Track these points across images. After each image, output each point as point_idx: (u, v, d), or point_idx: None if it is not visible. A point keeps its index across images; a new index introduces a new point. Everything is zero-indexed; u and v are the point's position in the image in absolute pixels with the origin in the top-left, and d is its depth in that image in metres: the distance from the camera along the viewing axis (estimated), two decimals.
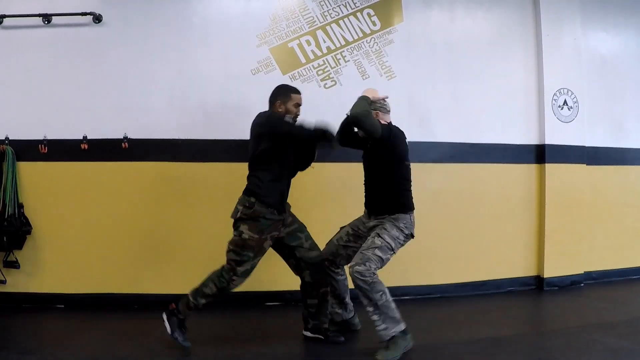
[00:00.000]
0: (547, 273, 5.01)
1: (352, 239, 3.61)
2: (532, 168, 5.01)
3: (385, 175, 3.44)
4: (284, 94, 3.54)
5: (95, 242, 4.34)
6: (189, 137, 4.32)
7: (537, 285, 5.05)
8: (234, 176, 4.35)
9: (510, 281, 4.99)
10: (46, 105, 4.30)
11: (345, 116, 3.51)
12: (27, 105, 4.29)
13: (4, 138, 4.26)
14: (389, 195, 3.45)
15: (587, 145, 5.16)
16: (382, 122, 3.44)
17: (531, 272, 5.05)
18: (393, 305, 3.28)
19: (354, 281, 3.24)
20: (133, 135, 4.32)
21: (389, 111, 3.60)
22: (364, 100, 3.38)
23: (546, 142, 4.98)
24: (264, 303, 4.50)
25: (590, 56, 5.26)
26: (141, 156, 4.34)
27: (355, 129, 3.53)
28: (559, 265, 5.05)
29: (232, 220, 3.44)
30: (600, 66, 5.32)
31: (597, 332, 3.73)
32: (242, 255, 3.33)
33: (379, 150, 3.43)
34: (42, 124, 4.29)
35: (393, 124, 3.55)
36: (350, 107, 3.38)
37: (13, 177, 4.26)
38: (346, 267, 3.61)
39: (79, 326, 3.86)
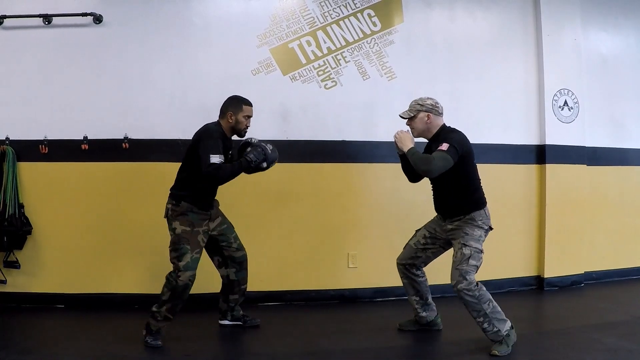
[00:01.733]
0: (548, 273, 5.01)
1: (429, 242, 3.63)
2: (533, 168, 5.02)
3: (454, 179, 3.35)
4: (235, 105, 3.60)
5: (96, 242, 4.35)
6: (189, 138, 4.31)
7: (537, 285, 5.05)
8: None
9: (511, 281, 5.00)
10: (47, 106, 4.30)
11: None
12: (28, 106, 4.30)
13: (4, 138, 4.27)
14: (460, 198, 3.41)
15: (587, 145, 5.16)
16: (442, 146, 3.26)
17: (531, 272, 5.05)
18: (498, 307, 3.32)
19: (461, 298, 3.27)
20: (133, 135, 4.32)
21: (442, 113, 3.54)
22: (412, 151, 3.32)
23: (546, 143, 4.98)
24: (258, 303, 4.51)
25: (590, 56, 5.26)
26: (142, 156, 4.34)
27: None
28: (559, 265, 5.05)
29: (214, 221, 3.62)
30: (600, 66, 5.32)
31: (597, 332, 3.73)
32: (179, 249, 3.42)
33: None
34: (42, 124, 4.30)
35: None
36: (413, 164, 3.31)
37: (13, 178, 4.27)
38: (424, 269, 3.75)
39: (79, 326, 3.86)
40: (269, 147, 3.56)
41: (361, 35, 4.66)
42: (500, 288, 4.91)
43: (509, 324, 3.34)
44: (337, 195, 4.60)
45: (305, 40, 4.59)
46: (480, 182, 3.52)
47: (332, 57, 4.62)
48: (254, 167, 3.50)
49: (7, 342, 3.51)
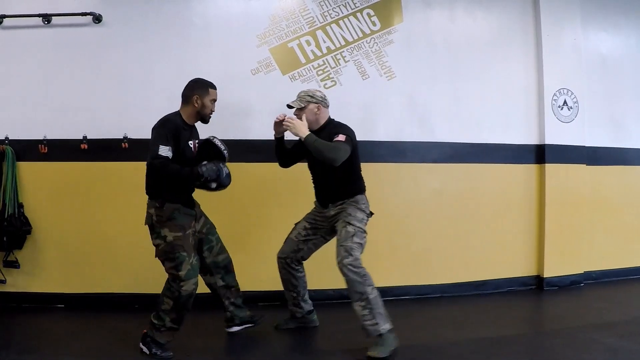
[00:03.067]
0: (547, 273, 5.01)
1: (310, 233, 3.68)
2: (532, 168, 5.01)
3: (345, 169, 3.42)
4: (201, 89, 3.43)
5: (95, 242, 4.35)
6: None
7: (537, 285, 5.05)
8: (234, 176, 4.37)
9: (510, 281, 5.00)
10: (46, 105, 4.30)
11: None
12: (27, 105, 4.29)
13: (3, 138, 4.27)
14: (345, 184, 3.51)
15: (587, 145, 5.16)
16: (340, 137, 3.35)
17: (531, 271, 5.05)
18: (381, 301, 3.31)
19: (345, 275, 3.26)
20: (133, 135, 4.31)
21: (328, 105, 3.66)
22: (314, 138, 3.34)
23: (546, 142, 4.97)
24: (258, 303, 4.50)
25: (590, 56, 5.26)
26: (141, 156, 4.31)
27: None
28: (558, 265, 5.05)
29: (197, 224, 3.47)
30: (600, 66, 5.32)
31: (597, 332, 3.73)
32: (175, 258, 3.21)
33: None
34: (42, 124, 4.29)
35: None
36: (316, 151, 3.31)
37: (13, 177, 4.27)
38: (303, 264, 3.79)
39: (79, 326, 3.86)
40: (226, 170, 3.34)
41: (360, 35, 4.66)
42: (500, 288, 4.93)
43: (388, 326, 3.27)
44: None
45: (305, 40, 4.59)
46: (361, 172, 3.63)
47: (332, 56, 4.61)
48: (201, 183, 3.25)
49: (6, 342, 3.52)
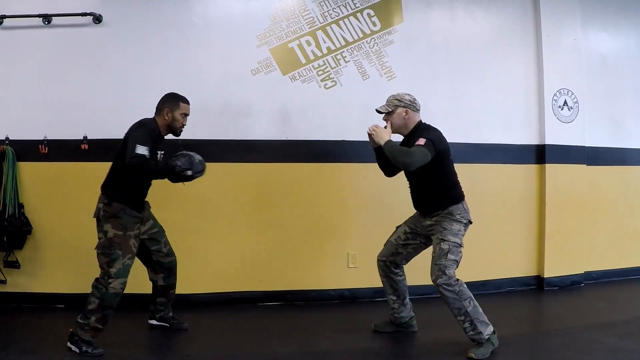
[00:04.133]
0: (548, 273, 5.01)
1: (410, 237, 3.60)
2: (533, 168, 5.02)
3: (431, 176, 3.36)
4: (172, 102, 3.51)
5: (96, 242, 4.33)
6: (188, 137, 4.31)
7: (537, 285, 5.05)
8: (234, 176, 4.38)
9: (511, 281, 5.00)
10: (46, 106, 4.30)
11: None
12: (27, 106, 4.29)
13: (4, 138, 4.27)
14: (437, 194, 3.41)
15: (587, 145, 5.17)
16: (420, 141, 3.25)
17: (531, 272, 5.06)
18: (481, 309, 3.30)
19: (441, 294, 3.26)
20: None
21: (419, 109, 3.52)
22: (390, 144, 3.30)
23: (546, 142, 4.98)
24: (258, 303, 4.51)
25: (590, 56, 5.26)
26: None
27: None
28: (559, 265, 5.05)
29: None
30: (600, 66, 5.33)
31: (597, 332, 3.73)
32: (110, 254, 3.28)
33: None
34: (42, 124, 4.29)
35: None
36: (391, 157, 3.28)
37: (13, 177, 4.26)
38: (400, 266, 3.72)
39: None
40: (197, 157, 3.39)
41: (361, 35, 4.66)
42: (500, 288, 4.93)
43: (491, 328, 3.31)
44: (336, 195, 4.60)
45: (305, 40, 4.59)
46: (457, 179, 3.52)
47: (332, 57, 4.62)
48: (177, 173, 3.31)
49: (7, 342, 3.51)
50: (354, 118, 4.58)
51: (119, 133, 4.24)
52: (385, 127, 3.45)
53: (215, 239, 4.46)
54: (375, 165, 4.49)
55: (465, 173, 4.74)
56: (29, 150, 4.29)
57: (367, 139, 3.67)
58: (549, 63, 5.00)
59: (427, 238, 3.54)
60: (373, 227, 4.56)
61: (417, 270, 3.77)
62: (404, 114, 3.44)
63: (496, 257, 4.93)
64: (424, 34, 4.79)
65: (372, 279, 4.60)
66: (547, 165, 4.97)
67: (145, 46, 4.39)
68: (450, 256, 3.29)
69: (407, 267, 3.76)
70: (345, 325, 3.93)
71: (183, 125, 3.56)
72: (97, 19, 4.31)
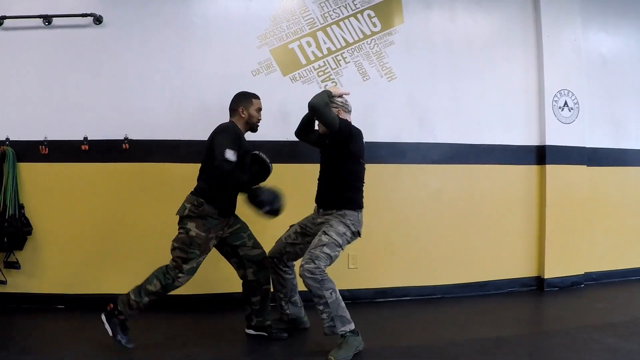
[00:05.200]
0: (548, 274, 5.01)
1: (299, 237, 3.68)
2: (533, 169, 5.02)
3: (338, 170, 3.50)
4: (245, 100, 3.60)
5: (96, 243, 4.35)
6: (189, 138, 4.33)
7: (537, 286, 5.05)
8: None
9: (511, 282, 5.00)
10: (47, 106, 4.30)
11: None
12: (28, 106, 4.30)
13: (4, 139, 4.27)
14: (338, 190, 3.52)
15: (587, 146, 5.17)
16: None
17: (532, 272, 5.05)
18: (343, 304, 3.33)
19: (303, 280, 3.29)
20: (133, 136, 4.32)
21: (350, 111, 3.69)
22: (324, 93, 3.49)
23: (547, 143, 4.98)
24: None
25: (590, 57, 5.27)
26: (142, 157, 4.34)
27: (316, 126, 3.68)
28: (559, 266, 5.05)
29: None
30: (600, 67, 5.33)
31: (597, 333, 3.73)
32: (188, 252, 3.35)
33: (336, 145, 3.50)
34: (42, 125, 4.30)
35: (354, 124, 3.61)
36: (311, 98, 3.45)
37: (14, 178, 4.27)
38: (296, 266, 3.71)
39: (80, 326, 3.86)
40: (281, 201, 3.44)
41: (361, 36, 4.67)
42: (500, 289, 4.93)
43: (351, 326, 3.31)
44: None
45: (306, 41, 4.59)
46: (363, 185, 3.62)
47: (332, 57, 4.62)
48: (257, 202, 3.37)
49: (7, 343, 3.52)
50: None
51: (119, 133, 4.31)
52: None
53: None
54: (376, 166, 4.53)
55: (464, 174, 4.82)
56: (30, 151, 4.29)
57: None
58: (549, 64, 5.00)
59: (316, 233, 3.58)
60: (373, 228, 4.56)
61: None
62: (337, 113, 3.56)
63: (496, 258, 4.94)
64: (424, 34, 4.80)
65: (373, 280, 4.63)
66: (547, 166, 4.97)
67: (145, 46, 4.39)
68: (325, 249, 3.33)
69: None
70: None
71: (259, 120, 3.66)
72: (98, 19, 4.32)
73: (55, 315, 4.21)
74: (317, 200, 3.67)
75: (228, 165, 3.24)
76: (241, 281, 3.70)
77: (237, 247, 3.61)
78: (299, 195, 4.51)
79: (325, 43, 4.62)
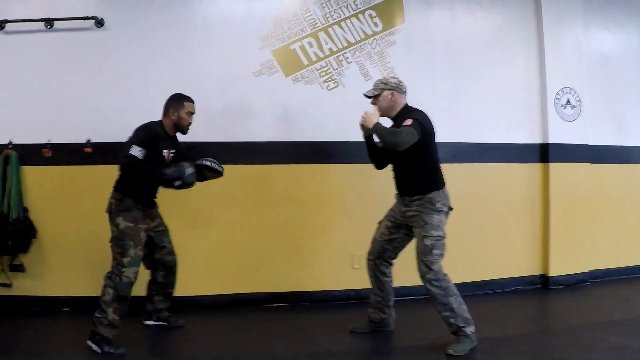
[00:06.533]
0: (553, 272, 4.99)
1: (393, 231, 3.60)
2: (536, 167, 5.01)
3: (415, 156, 3.39)
4: (177, 102, 3.66)
5: (100, 245, 4.33)
6: (190, 140, 4.32)
7: (542, 284, 5.03)
8: (236, 177, 4.38)
9: (516, 280, 4.99)
10: (50, 109, 4.31)
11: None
12: (31, 109, 4.31)
13: (7, 142, 4.28)
14: (419, 174, 3.44)
15: (590, 143, 5.15)
16: (407, 121, 3.35)
17: (536, 270, 5.04)
18: (464, 305, 3.34)
19: (428, 289, 3.31)
20: None
21: (405, 91, 3.59)
22: (378, 127, 3.38)
23: (550, 141, 4.97)
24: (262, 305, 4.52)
25: (592, 55, 5.26)
26: None
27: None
28: (564, 263, 5.03)
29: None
30: (602, 65, 5.32)
31: (602, 331, 3.72)
32: (123, 245, 3.44)
33: None
34: (46, 128, 4.31)
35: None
36: (380, 138, 3.38)
37: (17, 182, 4.28)
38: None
39: (85, 329, 3.85)
40: (189, 170, 3.55)
41: (363, 36, 4.67)
42: (505, 287, 4.92)
43: (473, 327, 3.34)
44: (340, 195, 4.60)
45: (307, 42, 4.59)
46: (439, 164, 3.55)
47: (334, 58, 4.62)
48: (166, 181, 3.51)
49: (13, 346, 3.54)
50: (357, 118, 4.57)
51: (122, 136, 4.26)
52: (374, 111, 3.52)
53: (218, 240, 4.47)
54: None
55: (468, 173, 4.81)
56: (33, 154, 4.31)
57: None
58: (551, 62, 4.99)
59: (410, 228, 3.53)
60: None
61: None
62: (390, 96, 3.51)
63: (501, 256, 4.93)
64: (425, 34, 4.79)
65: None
66: (550, 164, 4.96)
67: (147, 48, 4.41)
68: (435, 251, 3.32)
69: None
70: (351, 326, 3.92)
71: (189, 124, 3.72)
72: (99, 22, 4.33)
73: (61, 317, 4.22)
74: (399, 189, 3.57)
75: (129, 159, 3.38)
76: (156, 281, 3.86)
77: (155, 249, 3.75)
78: (301, 196, 4.54)
79: (327, 43, 4.62)
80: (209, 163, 3.67)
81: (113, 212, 3.53)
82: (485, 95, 4.89)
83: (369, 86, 4.57)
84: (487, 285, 4.87)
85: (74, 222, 4.35)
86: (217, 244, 4.48)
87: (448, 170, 4.70)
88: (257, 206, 4.52)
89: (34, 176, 4.34)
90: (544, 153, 5.00)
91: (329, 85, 4.60)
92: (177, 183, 3.52)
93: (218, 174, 3.72)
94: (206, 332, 3.89)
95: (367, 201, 4.59)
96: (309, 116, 4.56)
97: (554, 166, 4.97)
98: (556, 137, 4.99)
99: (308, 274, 4.58)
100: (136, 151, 3.38)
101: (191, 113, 3.70)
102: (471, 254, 4.82)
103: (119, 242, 3.46)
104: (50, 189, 4.36)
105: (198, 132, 4.23)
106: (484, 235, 4.87)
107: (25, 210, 4.31)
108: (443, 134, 4.70)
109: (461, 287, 4.70)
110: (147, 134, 3.50)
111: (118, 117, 4.32)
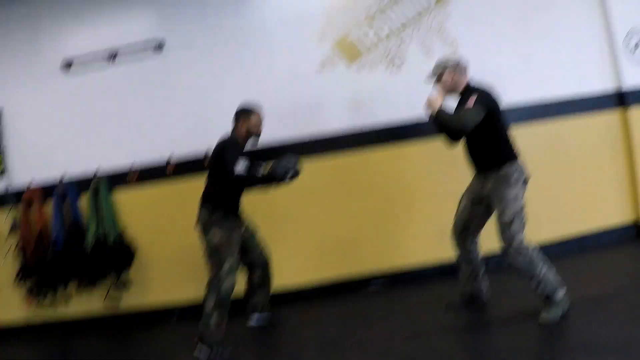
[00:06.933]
0: None
1: (474, 206, 3.59)
2: (614, 114, 4.79)
3: (486, 134, 3.36)
4: (245, 114, 3.78)
5: (196, 253, 4.50)
6: (267, 141, 4.38)
7: (637, 233, 4.86)
8: (317, 171, 4.46)
9: (607, 233, 4.80)
10: (130, 134, 4.59)
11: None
12: (114, 136, 4.59)
13: (95, 171, 4.55)
14: (491, 148, 3.42)
15: None
16: (470, 102, 3.32)
17: (628, 221, 4.85)
18: (551, 273, 3.28)
19: (512, 261, 3.29)
20: None
21: (466, 69, 3.55)
22: (439, 114, 3.33)
23: (625, 86, 4.74)
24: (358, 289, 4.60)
25: None
26: None
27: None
28: None
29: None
30: None
31: None
32: (219, 256, 3.58)
33: None
34: (129, 152, 4.57)
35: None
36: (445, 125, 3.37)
37: (109, 207, 4.53)
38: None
39: (191, 334, 3.77)
40: (295, 159, 3.62)
41: (419, 12, 4.59)
42: (596, 242, 4.74)
43: (563, 291, 3.28)
44: (422, 173, 4.60)
45: (364, 28, 4.57)
46: (509, 136, 3.48)
47: (393, 38, 4.58)
48: (280, 179, 3.57)
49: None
50: (426, 94, 4.53)
51: (201, 150, 4.45)
52: (437, 95, 3.45)
53: (309, 234, 4.60)
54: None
55: (546, 130, 4.67)
56: (120, 178, 4.56)
57: None
58: (616, 4, 4.76)
59: (489, 203, 3.49)
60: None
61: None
62: (451, 76, 3.48)
63: (589, 210, 4.77)
64: None
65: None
66: (629, 108, 4.74)
67: (213, 62, 4.59)
68: (515, 225, 3.28)
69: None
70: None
71: (259, 132, 3.82)
72: (159, 46, 4.55)
73: (167, 327, 4.47)
74: (473, 165, 3.56)
75: (243, 177, 3.55)
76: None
77: (246, 252, 3.87)
78: (384, 177, 4.55)
79: (384, 26, 4.58)
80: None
81: (205, 226, 3.66)
82: (552, 49, 4.69)
83: (432, 61, 4.54)
84: (578, 241, 4.73)
85: (169, 235, 4.56)
86: (308, 238, 4.60)
87: (526, 131, 4.64)
88: (343, 195, 4.59)
89: (124, 198, 4.58)
90: (620, 99, 4.78)
91: (392, 68, 4.56)
92: (289, 175, 3.57)
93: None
94: (306, 322, 4.01)
95: (450, 175, 4.53)
96: (379, 100, 4.55)
97: (633, 111, 4.76)
98: (631, 81, 4.76)
99: (400, 253, 4.62)
100: (240, 167, 3.53)
101: (259, 122, 3.81)
102: (559, 210, 4.70)
103: (215, 254, 3.60)
104: (141, 208, 4.60)
105: (272, 133, 4.33)
106: (569, 190, 4.71)
107: (122, 232, 4.54)
108: (515, 95, 4.63)
109: (553, 247, 4.68)
110: (237, 148, 3.67)
111: (195, 132, 4.47)
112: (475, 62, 4.48)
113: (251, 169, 3.63)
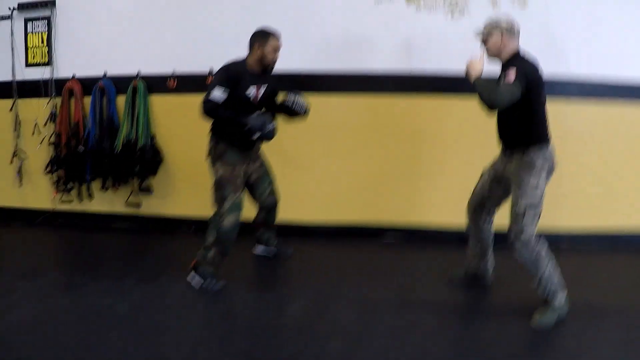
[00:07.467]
0: None
1: (494, 184, 3.38)
2: None
3: (522, 108, 3.08)
4: (261, 38, 3.49)
5: None
6: (311, 70, 4.28)
7: None
8: (356, 108, 4.35)
9: None
10: (174, 42, 4.53)
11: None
12: (157, 41, 4.55)
13: (135, 73, 4.51)
14: (522, 127, 3.15)
15: None
16: (510, 75, 2.99)
17: None
18: (556, 274, 3.10)
19: (518, 253, 3.11)
20: None
21: (518, 32, 3.21)
22: (479, 82, 3.06)
23: None
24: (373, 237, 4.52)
25: None
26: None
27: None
28: None
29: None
30: None
31: None
32: (222, 191, 3.46)
33: None
34: (170, 60, 4.53)
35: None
36: (479, 93, 3.03)
37: (145, 110, 4.52)
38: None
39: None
40: (270, 126, 3.43)
41: None
42: (627, 243, 4.45)
43: (563, 295, 3.09)
44: (459, 130, 4.37)
45: None
46: (545, 118, 3.18)
47: None
48: (246, 131, 3.40)
49: (128, 269, 3.86)
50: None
51: None
52: (480, 58, 3.19)
53: (335, 169, 4.52)
54: None
55: (600, 113, 4.34)
56: (159, 84, 4.54)
57: None
58: None
59: (508, 185, 3.27)
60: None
61: None
62: (500, 39, 3.17)
63: (636, 205, 4.48)
64: None
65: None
66: None
67: None
68: (528, 216, 3.05)
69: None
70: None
71: (274, 60, 3.55)
72: None
73: (183, 236, 4.58)
74: (501, 139, 3.33)
75: (209, 105, 3.34)
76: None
77: (254, 193, 3.79)
78: (421, 127, 4.39)
79: None
80: (290, 104, 3.63)
81: (212, 158, 3.57)
82: (623, 21, 4.27)
83: (498, 13, 4.27)
84: (611, 239, 4.45)
85: (197, 147, 4.49)
86: (334, 172, 4.52)
87: (576, 108, 4.33)
88: (375, 137, 4.45)
89: (160, 105, 4.59)
90: None
91: (453, 14, 4.31)
92: (257, 135, 3.42)
93: (298, 114, 3.67)
94: (309, 266, 3.97)
95: (491, 141, 4.34)
96: (432, 47, 4.32)
97: None
98: None
99: (420, 210, 4.50)
100: (217, 94, 3.35)
101: (276, 49, 3.53)
102: (601, 200, 4.44)
103: (219, 189, 3.50)
104: (175, 116, 4.59)
105: (318, 62, 4.21)
106: (618, 181, 4.43)
107: (153, 137, 4.55)
108: (579, 68, 4.31)
109: (582, 237, 4.43)
110: (227, 75, 3.42)
111: (236, 49, 4.35)
112: (537, 24, 4.23)
113: (236, 100, 3.42)
